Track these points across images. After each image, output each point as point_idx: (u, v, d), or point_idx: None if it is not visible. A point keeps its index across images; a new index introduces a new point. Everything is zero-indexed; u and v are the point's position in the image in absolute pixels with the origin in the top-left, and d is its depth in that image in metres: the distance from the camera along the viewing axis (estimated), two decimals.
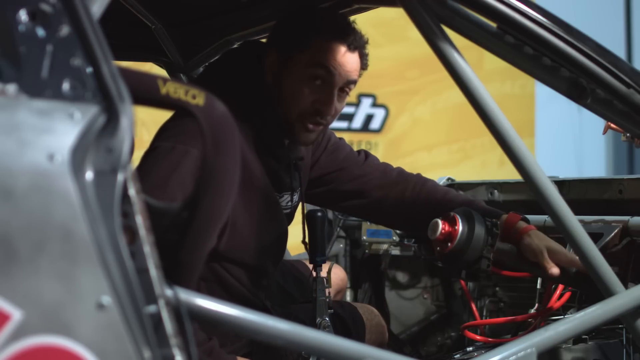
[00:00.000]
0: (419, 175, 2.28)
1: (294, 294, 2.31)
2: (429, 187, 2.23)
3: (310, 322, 2.00)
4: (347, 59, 1.94)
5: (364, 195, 2.23)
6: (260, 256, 2.01)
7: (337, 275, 2.51)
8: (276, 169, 2.00)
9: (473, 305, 2.59)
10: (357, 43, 1.96)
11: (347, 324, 2.22)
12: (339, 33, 1.92)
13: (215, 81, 1.98)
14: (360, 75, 2.00)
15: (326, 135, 2.24)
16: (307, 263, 2.41)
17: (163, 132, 1.89)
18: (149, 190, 1.77)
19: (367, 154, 2.30)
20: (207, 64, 2.28)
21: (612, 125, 2.09)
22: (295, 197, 2.12)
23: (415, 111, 5.95)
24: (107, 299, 1.03)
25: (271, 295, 2.15)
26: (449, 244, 2.00)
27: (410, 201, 2.20)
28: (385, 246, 2.84)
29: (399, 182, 2.24)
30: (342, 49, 1.92)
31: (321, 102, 1.93)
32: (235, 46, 2.25)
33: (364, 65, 2.00)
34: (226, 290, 1.94)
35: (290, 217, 2.15)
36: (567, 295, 2.11)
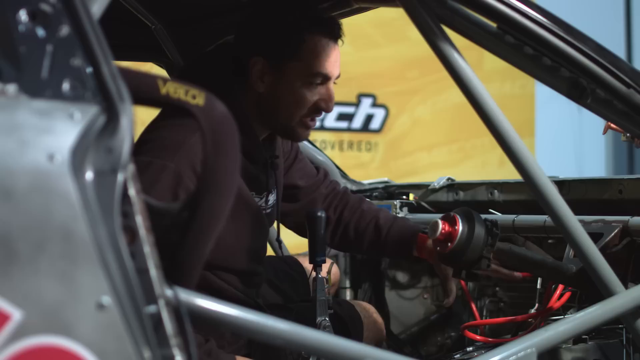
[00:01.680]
0: (364, 203, 2.31)
1: (288, 292, 2.32)
2: (365, 210, 2.27)
3: (310, 322, 2.00)
4: (337, 53, 1.94)
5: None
6: (246, 258, 2.01)
7: (326, 267, 2.51)
8: (251, 169, 1.98)
9: (473, 305, 2.58)
10: (340, 33, 1.95)
11: (344, 321, 2.22)
12: (326, 32, 1.92)
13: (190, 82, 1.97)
14: None
15: (294, 144, 2.24)
16: (300, 259, 2.41)
17: (140, 146, 1.84)
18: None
19: (325, 174, 2.33)
20: (184, 66, 2.26)
21: (612, 125, 2.09)
22: (273, 197, 2.10)
23: (415, 111, 5.94)
24: (107, 299, 1.03)
25: (261, 292, 2.15)
26: (449, 244, 2.00)
27: (346, 223, 2.27)
28: None
29: (339, 204, 2.29)
30: (331, 46, 1.93)
31: (324, 100, 1.95)
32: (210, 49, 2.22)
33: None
34: (218, 295, 1.94)
35: (271, 217, 2.14)
36: (567, 295, 2.11)
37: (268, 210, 2.10)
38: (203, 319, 1.22)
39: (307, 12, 1.93)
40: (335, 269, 2.62)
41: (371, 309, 2.39)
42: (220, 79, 1.95)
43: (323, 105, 1.95)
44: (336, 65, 1.94)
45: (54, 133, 1.04)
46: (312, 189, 2.27)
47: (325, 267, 2.35)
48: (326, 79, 1.93)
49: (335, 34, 1.93)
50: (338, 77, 1.97)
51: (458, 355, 2.24)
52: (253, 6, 2.00)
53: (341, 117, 5.71)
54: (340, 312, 2.22)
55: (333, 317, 2.08)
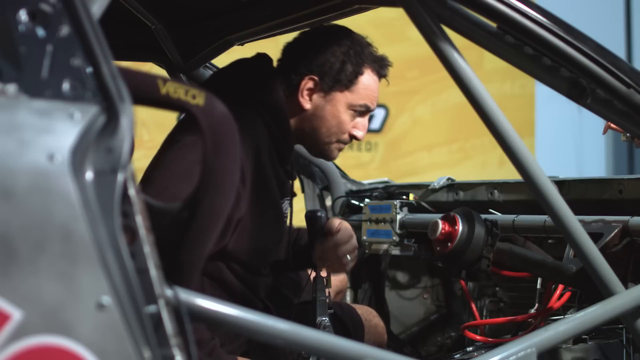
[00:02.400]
0: None
1: (289, 295, 2.32)
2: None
3: (310, 322, 2.00)
4: (378, 88, 2.13)
5: None
6: (264, 258, 2.05)
7: (336, 276, 2.53)
8: (282, 175, 2.07)
9: (473, 305, 2.59)
10: (387, 72, 2.14)
11: (346, 324, 2.22)
12: (378, 70, 2.10)
13: (228, 87, 2.03)
14: None
15: None
16: None
17: (186, 126, 1.95)
18: (173, 178, 1.82)
19: None
20: (216, 70, 2.28)
21: (612, 125, 2.09)
22: (287, 204, 2.17)
23: (415, 111, 5.94)
24: (107, 299, 1.03)
25: (270, 294, 2.17)
26: (449, 244, 2.00)
27: None
28: (385, 246, 2.84)
29: None
30: (377, 83, 2.12)
31: (359, 129, 2.12)
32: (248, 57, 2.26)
33: None
34: (227, 289, 1.96)
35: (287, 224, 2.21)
36: (567, 295, 2.11)
37: (285, 217, 2.16)
38: (203, 319, 1.22)
39: (367, 47, 2.09)
40: (343, 275, 2.64)
41: (372, 312, 2.40)
42: (268, 84, 2.04)
43: (357, 134, 2.11)
44: (376, 101, 2.13)
45: (54, 133, 1.04)
46: None
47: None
48: (367, 111, 2.11)
49: (384, 73, 2.12)
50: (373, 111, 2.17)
51: (458, 355, 2.24)
52: (316, 29, 2.12)
53: None
54: (341, 315, 2.23)
55: (334, 320, 2.10)
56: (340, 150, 2.14)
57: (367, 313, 2.36)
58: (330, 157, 2.16)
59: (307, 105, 2.07)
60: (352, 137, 2.11)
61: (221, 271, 1.95)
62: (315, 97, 2.06)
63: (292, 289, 2.34)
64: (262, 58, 2.13)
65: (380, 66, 2.10)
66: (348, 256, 2.10)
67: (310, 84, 2.06)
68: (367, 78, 2.08)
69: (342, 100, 2.06)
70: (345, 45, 2.06)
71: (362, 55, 2.07)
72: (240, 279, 1.99)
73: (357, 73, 2.06)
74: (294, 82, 2.06)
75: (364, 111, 2.10)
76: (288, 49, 2.13)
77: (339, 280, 2.59)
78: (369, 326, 2.32)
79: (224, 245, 1.88)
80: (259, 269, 2.05)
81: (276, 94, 2.02)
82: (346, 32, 2.09)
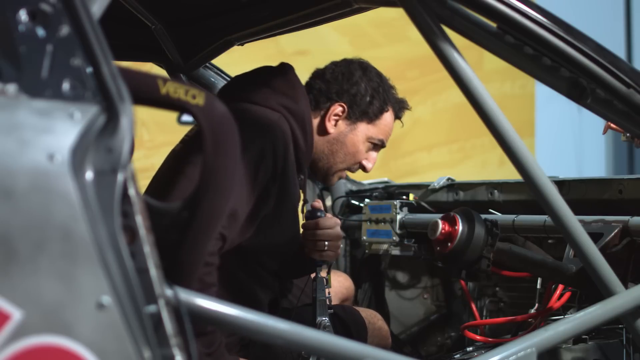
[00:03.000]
0: None
1: (289, 296, 2.33)
2: None
3: (310, 322, 2.00)
4: (392, 128, 2.29)
5: None
6: (278, 260, 2.11)
7: (341, 283, 2.56)
8: (300, 181, 2.15)
9: (473, 305, 2.59)
10: (402, 114, 2.31)
11: (348, 327, 2.23)
12: (398, 110, 2.28)
13: (253, 91, 2.08)
14: None
15: None
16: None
17: (198, 145, 1.98)
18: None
19: None
20: (240, 75, 2.28)
21: (612, 125, 2.09)
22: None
23: (415, 111, 5.94)
24: (107, 299, 1.03)
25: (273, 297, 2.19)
26: (449, 244, 2.00)
27: None
28: (385, 246, 2.84)
29: None
30: (393, 123, 2.28)
31: (369, 161, 2.26)
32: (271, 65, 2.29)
33: None
34: (232, 285, 1.98)
35: None
36: (567, 295, 2.12)
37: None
38: (203, 319, 1.22)
39: (391, 89, 2.28)
40: (347, 281, 2.65)
41: (377, 316, 2.40)
42: (297, 95, 2.12)
43: (367, 165, 2.26)
44: (389, 139, 2.28)
45: (54, 133, 1.04)
46: None
47: (340, 280, 2.42)
48: (382, 146, 2.26)
49: (401, 115, 2.30)
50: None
51: (458, 355, 2.24)
52: (350, 61, 2.26)
53: None
54: (344, 317, 2.23)
55: (337, 322, 2.10)
56: (341, 178, 2.29)
57: (371, 316, 2.36)
58: (331, 182, 2.29)
59: (332, 129, 2.19)
60: (361, 167, 2.26)
61: (230, 266, 1.96)
62: (340, 123, 2.20)
63: (293, 291, 2.34)
64: (289, 69, 2.19)
65: (400, 108, 2.29)
66: (326, 243, 2.10)
67: (338, 110, 2.19)
68: (389, 116, 2.25)
69: (364, 131, 2.21)
70: (375, 82, 2.22)
71: (389, 95, 2.24)
72: (254, 277, 2.02)
73: (383, 110, 2.22)
74: (321, 105, 2.18)
75: (379, 145, 2.25)
76: (320, 73, 2.25)
77: (344, 287, 2.61)
78: (373, 329, 2.32)
79: (244, 238, 1.93)
80: (271, 267, 2.08)
81: (304, 106, 2.11)
82: (376, 71, 2.27)
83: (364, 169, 2.27)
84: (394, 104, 2.26)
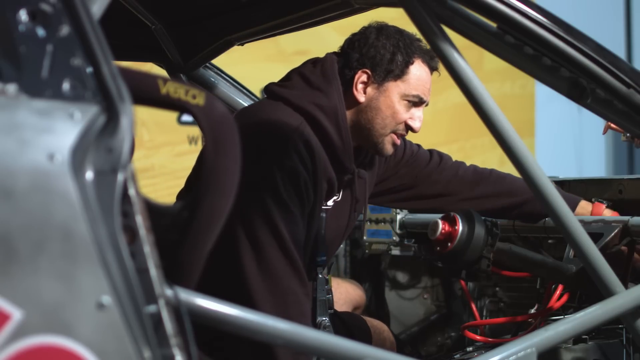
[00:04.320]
0: (493, 171, 2.48)
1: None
2: (508, 181, 2.42)
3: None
4: (430, 82, 2.16)
5: (442, 197, 2.39)
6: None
7: (355, 291, 2.58)
8: (349, 180, 2.14)
9: (473, 305, 2.59)
10: (438, 65, 2.15)
11: (352, 332, 2.22)
12: (428, 61, 2.14)
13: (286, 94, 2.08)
14: None
15: (406, 145, 2.39)
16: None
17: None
18: None
19: (441, 156, 2.46)
20: (291, 72, 2.24)
21: (612, 125, 2.09)
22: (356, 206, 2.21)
23: None
24: (107, 299, 1.03)
25: None
26: (449, 244, 2.00)
27: (491, 196, 2.40)
28: (385, 246, 2.84)
29: (476, 181, 2.42)
30: (429, 74, 2.15)
31: (414, 120, 2.13)
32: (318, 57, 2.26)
33: None
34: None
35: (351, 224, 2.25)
36: (567, 295, 2.11)
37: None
38: (203, 319, 1.22)
39: (415, 41, 2.13)
40: (359, 290, 2.65)
41: (384, 327, 2.40)
42: (329, 90, 2.08)
43: (413, 124, 2.13)
44: (429, 93, 2.16)
45: (54, 133, 1.04)
46: (438, 177, 2.41)
47: (353, 287, 2.42)
48: (420, 102, 2.13)
49: (434, 65, 2.15)
50: (427, 104, 2.17)
51: (458, 355, 2.24)
52: (366, 27, 2.16)
53: None
54: (350, 322, 2.23)
55: (341, 327, 2.09)
56: (394, 145, 2.16)
57: (378, 326, 2.36)
58: (383, 151, 2.16)
59: (362, 98, 2.11)
60: (409, 127, 2.14)
61: None
62: (369, 89, 2.11)
63: None
64: (328, 59, 2.16)
65: (431, 57, 2.13)
66: None
67: (363, 77, 2.10)
68: (418, 68, 2.12)
69: (394, 90, 2.10)
70: (394, 38, 2.11)
71: (412, 47, 2.12)
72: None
73: (408, 62, 2.10)
74: (347, 78, 2.11)
75: (417, 102, 2.13)
76: (341, 49, 2.19)
77: (357, 295, 2.60)
78: (378, 339, 2.31)
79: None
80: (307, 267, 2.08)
81: (337, 99, 2.07)
82: (395, 28, 2.16)
83: (412, 129, 2.14)
84: (421, 55, 2.13)
